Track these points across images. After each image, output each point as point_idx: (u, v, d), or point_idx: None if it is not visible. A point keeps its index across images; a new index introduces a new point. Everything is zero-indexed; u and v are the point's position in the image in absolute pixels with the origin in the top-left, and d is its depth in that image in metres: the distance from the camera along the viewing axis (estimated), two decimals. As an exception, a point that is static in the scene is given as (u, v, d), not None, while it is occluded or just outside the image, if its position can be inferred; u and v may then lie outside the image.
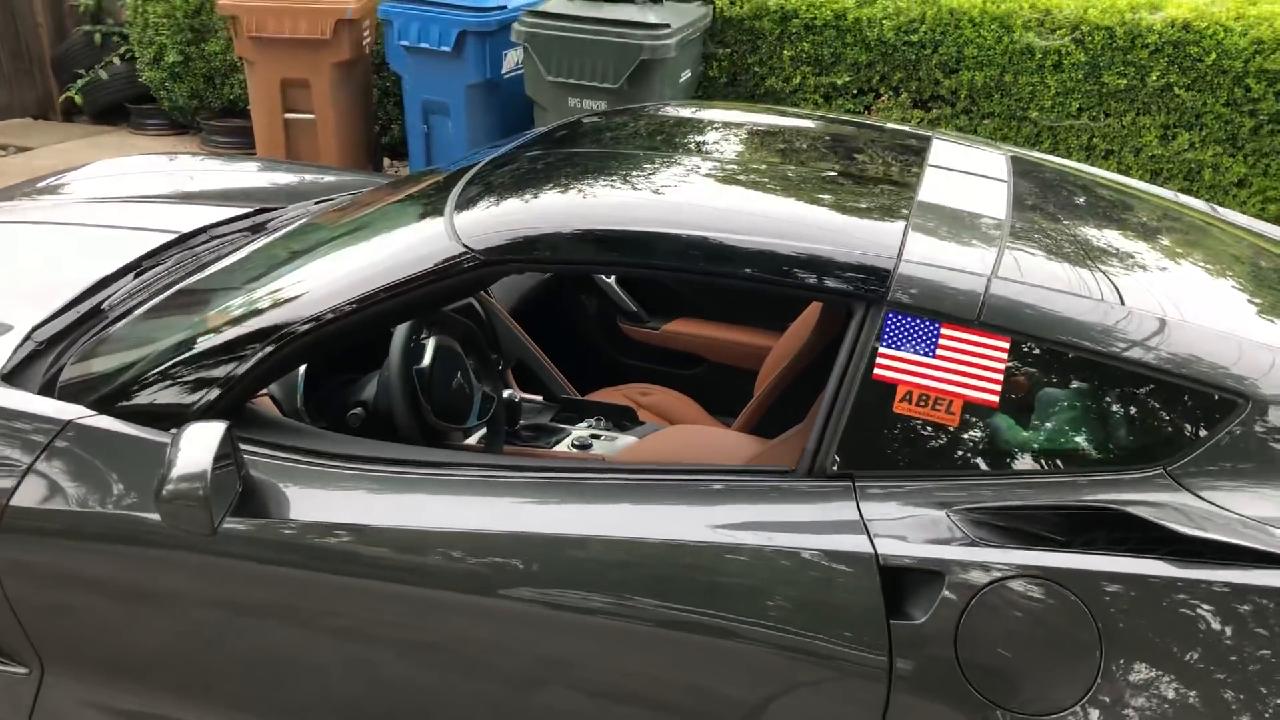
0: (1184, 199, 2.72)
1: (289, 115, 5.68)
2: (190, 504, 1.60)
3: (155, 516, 1.79)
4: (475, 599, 1.69)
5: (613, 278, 3.18)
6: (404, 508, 1.73)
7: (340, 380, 2.24)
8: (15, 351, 2.11)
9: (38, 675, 1.97)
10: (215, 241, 2.66)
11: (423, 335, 2.18)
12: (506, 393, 2.46)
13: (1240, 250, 2.22)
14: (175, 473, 1.60)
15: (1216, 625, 1.43)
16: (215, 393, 1.83)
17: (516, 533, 1.67)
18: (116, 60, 7.08)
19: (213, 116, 6.69)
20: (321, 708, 1.87)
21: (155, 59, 6.60)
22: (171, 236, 2.67)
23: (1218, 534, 1.46)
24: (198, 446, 1.63)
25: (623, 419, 2.65)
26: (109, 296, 2.36)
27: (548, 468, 1.75)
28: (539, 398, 2.75)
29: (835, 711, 1.59)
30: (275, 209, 2.92)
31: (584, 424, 2.61)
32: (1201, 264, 2.07)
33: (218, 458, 1.62)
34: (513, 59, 5.32)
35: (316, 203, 2.87)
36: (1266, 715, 1.39)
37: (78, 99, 7.13)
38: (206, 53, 6.51)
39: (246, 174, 3.39)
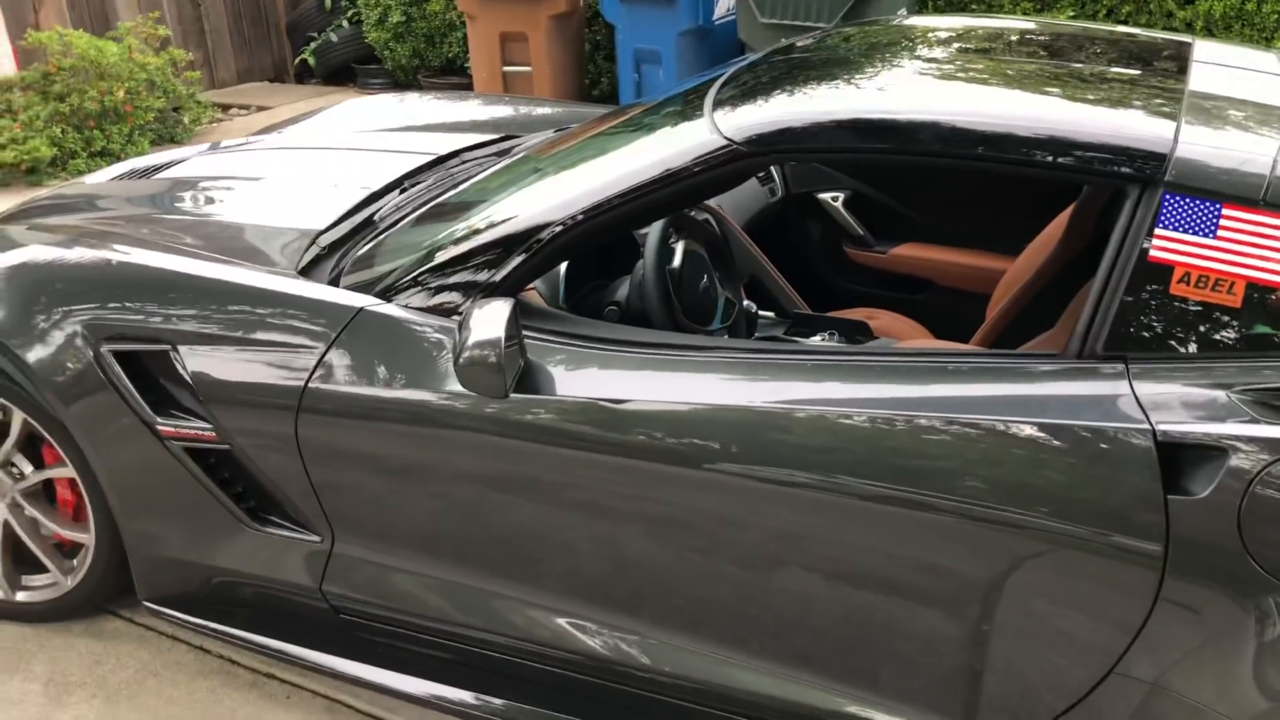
0: None
1: (506, 69, 5.90)
2: (486, 368, 1.74)
3: (433, 397, 1.94)
4: (726, 475, 1.76)
5: (840, 200, 3.19)
6: (665, 385, 1.82)
7: (596, 284, 2.35)
8: (305, 253, 2.31)
9: (329, 543, 2.17)
10: (469, 163, 2.82)
11: (672, 239, 2.27)
12: (745, 303, 2.53)
13: None
14: (472, 339, 1.74)
15: None
16: (494, 281, 1.96)
17: (781, 409, 1.73)
18: (345, 23, 7.50)
19: (432, 74, 7.00)
20: (570, 582, 2.00)
21: (380, 20, 6.96)
22: (429, 158, 2.85)
23: None
24: (490, 318, 1.76)
25: (856, 334, 2.67)
26: (378, 209, 2.55)
27: (810, 350, 1.80)
28: (772, 314, 2.81)
29: (1104, 597, 1.58)
30: (520, 136, 3.07)
31: (817, 338, 2.65)
32: None
33: (507, 331, 1.75)
34: (725, 4, 5.36)
35: (559, 130, 2.99)
36: None
37: (311, 61, 7.60)
38: (427, 12, 6.82)
39: (475, 108, 3.59)
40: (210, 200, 2.78)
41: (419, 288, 2.05)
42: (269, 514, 2.22)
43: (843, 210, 3.20)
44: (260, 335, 2.10)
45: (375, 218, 2.50)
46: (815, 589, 1.80)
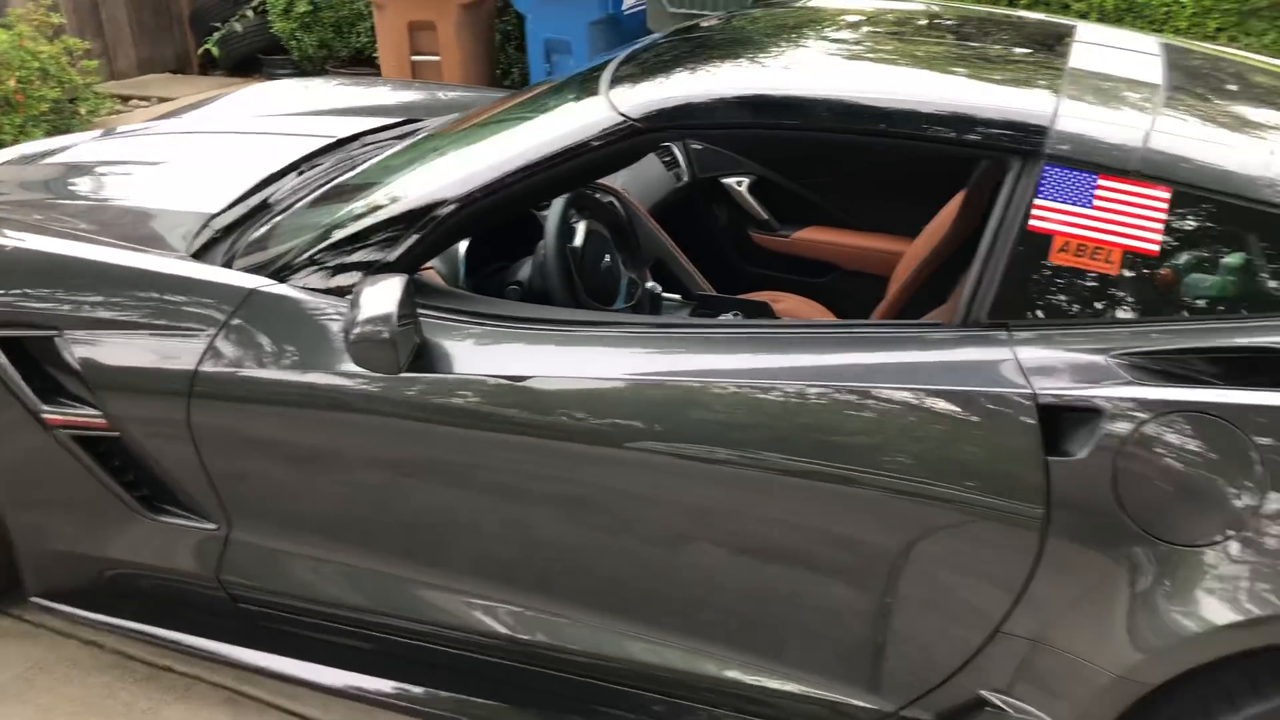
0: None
1: (415, 58, 5.83)
2: (378, 345, 1.72)
3: (329, 379, 1.92)
4: (628, 451, 1.76)
5: (744, 185, 3.22)
6: (568, 360, 1.82)
7: (497, 265, 2.34)
8: (197, 237, 2.26)
9: (225, 531, 2.12)
10: (370, 146, 2.78)
11: (573, 218, 2.27)
12: (649, 284, 2.54)
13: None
14: (362, 315, 1.73)
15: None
16: (389, 260, 1.94)
17: (675, 383, 1.74)
18: (250, 13, 7.35)
19: (340, 65, 6.90)
20: (477, 564, 1.99)
21: (285, 10, 6.83)
22: (328, 141, 2.81)
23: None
24: (381, 294, 1.75)
25: (759, 316, 2.70)
26: (274, 193, 2.50)
27: (707, 325, 1.82)
28: (677, 296, 2.82)
29: (987, 558, 1.62)
30: (422, 121, 3.04)
31: (722, 319, 2.67)
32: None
33: (400, 307, 1.73)
34: (634, -6, 5.38)
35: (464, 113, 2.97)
36: None
37: (215, 51, 7.43)
38: (334, 2, 6.71)
39: (382, 93, 3.54)
40: (102, 185, 2.71)
41: (314, 268, 2.02)
42: (162, 502, 2.17)
43: (747, 195, 3.23)
44: (149, 319, 2.05)
45: (271, 201, 2.45)
46: (719, 563, 1.81)
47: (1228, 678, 1.53)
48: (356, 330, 1.74)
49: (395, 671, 2.12)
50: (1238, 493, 1.47)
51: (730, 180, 3.24)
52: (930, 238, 2.71)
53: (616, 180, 2.80)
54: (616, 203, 2.61)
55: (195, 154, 2.84)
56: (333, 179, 2.45)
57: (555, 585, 1.96)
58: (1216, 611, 1.46)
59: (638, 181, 2.97)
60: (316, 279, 2.01)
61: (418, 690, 2.10)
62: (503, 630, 2.01)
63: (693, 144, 3.28)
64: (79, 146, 3.02)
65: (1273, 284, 1.58)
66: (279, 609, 2.17)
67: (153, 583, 2.25)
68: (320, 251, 2.03)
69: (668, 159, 3.20)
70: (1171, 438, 1.50)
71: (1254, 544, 1.46)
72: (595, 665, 1.99)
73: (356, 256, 2.00)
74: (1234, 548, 1.47)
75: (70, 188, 2.68)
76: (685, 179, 3.22)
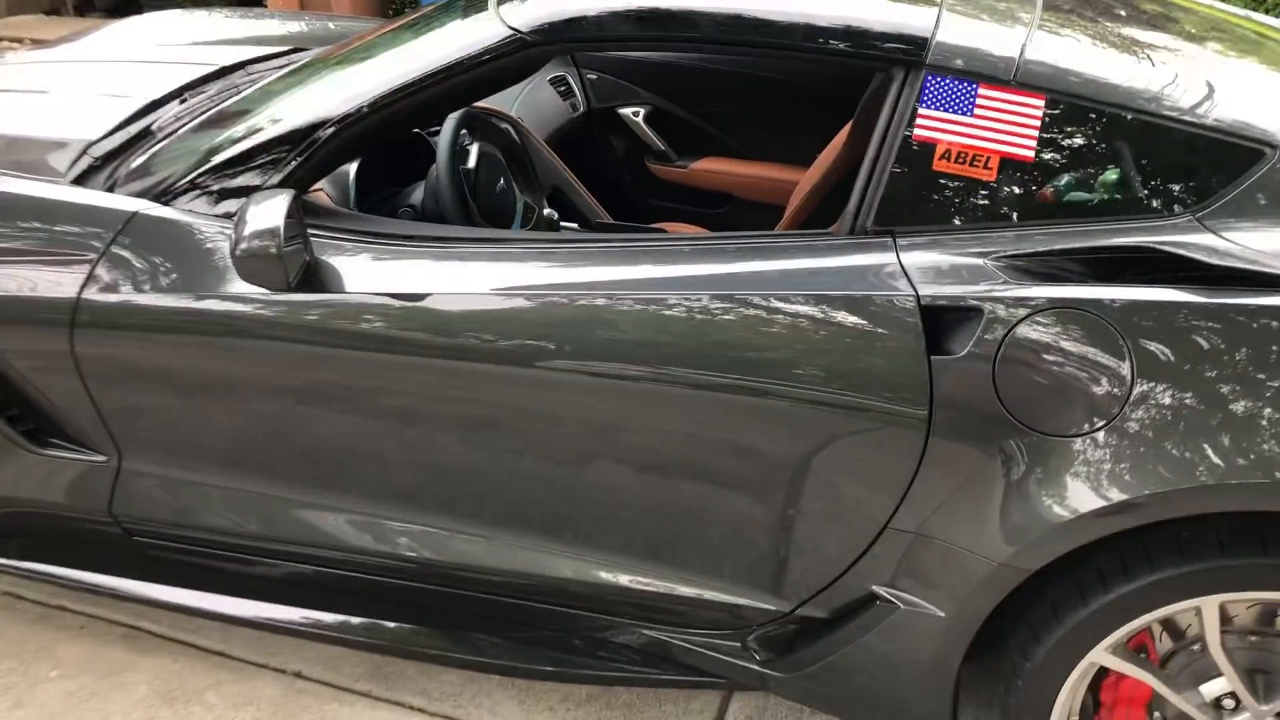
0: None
1: (304, -5, 5.67)
2: (265, 260, 1.69)
3: (219, 303, 1.88)
4: (527, 369, 1.77)
5: (640, 116, 3.23)
6: (466, 277, 1.81)
7: (388, 190, 2.31)
8: (74, 164, 2.18)
9: (116, 462, 2.08)
10: (254, 74, 2.71)
11: (466, 140, 2.25)
12: (546, 211, 2.53)
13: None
14: (248, 230, 1.70)
15: (1238, 345, 1.50)
16: (277, 178, 1.90)
17: (577, 298, 1.75)
18: (127, -50, 7.05)
19: (228, 3, 6.67)
20: (377, 487, 1.98)
21: (166, -54, 6.57)
22: (212, 69, 2.72)
23: (1242, 265, 1.53)
24: (267, 210, 1.72)
25: (657, 242, 2.72)
26: (156, 120, 2.42)
27: (609, 239, 1.83)
28: (575, 225, 2.82)
29: (875, 459, 1.67)
30: (309, 50, 2.97)
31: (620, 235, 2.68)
32: (1237, 56, 2.10)
33: (287, 223, 1.70)
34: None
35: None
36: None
37: (90, -10, 7.12)
38: (217, -62, 6.48)
39: (270, 24, 3.44)
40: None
41: (198, 190, 1.97)
42: (49, 435, 2.11)
43: (644, 125, 3.23)
44: (25, 246, 1.98)
45: (153, 128, 2.38)
46: (624, 478, 1.83)
47: (1100, 561, 1.61)
48: (242, 246, 1.70)
49: (299, 598, 2.11)
50: (1107, 384, 1.54)
51: (626, 111, 3.24)
52: (822, 164, 2.75)
53: (511, 109, 2.78)
54: (512, 130, 2.59)
55: (72, 82, 2.73)
56: (217, 105, 2.39)
57: (461, 506, 1.96)
58: (1086, 498, 1.54)
59: (533, 111, 2.95)
60: (201, 202, 1.96)
61: (324, 616, 2.09)
62: (409, 552, 2.02)
63: (588, 74, 3.27)
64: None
65: (1140, 188, 1.64)
66: (176, 540, 2.14)
67: (42, 519, 2.19)
68: (204, 174, 1.98)
69: (563, 89, 3.18)
70: (1047, 333, 1.56)
71: (1121, 432, 1.53)
72: (504, 583, 2.00)
73: (241, 179, 1.95)
74: (1102, 437, 1.54)
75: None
76: (581, 109, 3.21)
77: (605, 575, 1.94)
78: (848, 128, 2.69)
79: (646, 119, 3.23)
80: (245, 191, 1.92)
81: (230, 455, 2.02)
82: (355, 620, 2.09)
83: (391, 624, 2.08)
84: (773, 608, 1.86)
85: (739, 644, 1.93)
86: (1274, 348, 1.50)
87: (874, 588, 1.76)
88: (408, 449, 1.93)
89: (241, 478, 2.04)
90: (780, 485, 1.75)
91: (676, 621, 1.96)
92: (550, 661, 2.02)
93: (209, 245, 1.92)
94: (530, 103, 2.98)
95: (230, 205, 1.93)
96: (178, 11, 3.61)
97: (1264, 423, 1.48)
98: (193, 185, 1.97)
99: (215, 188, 1.97)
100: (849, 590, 1.79)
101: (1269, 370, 1.49)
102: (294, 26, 3.41)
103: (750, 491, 1.78)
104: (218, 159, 1.98)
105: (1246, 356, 1.50)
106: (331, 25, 3.37)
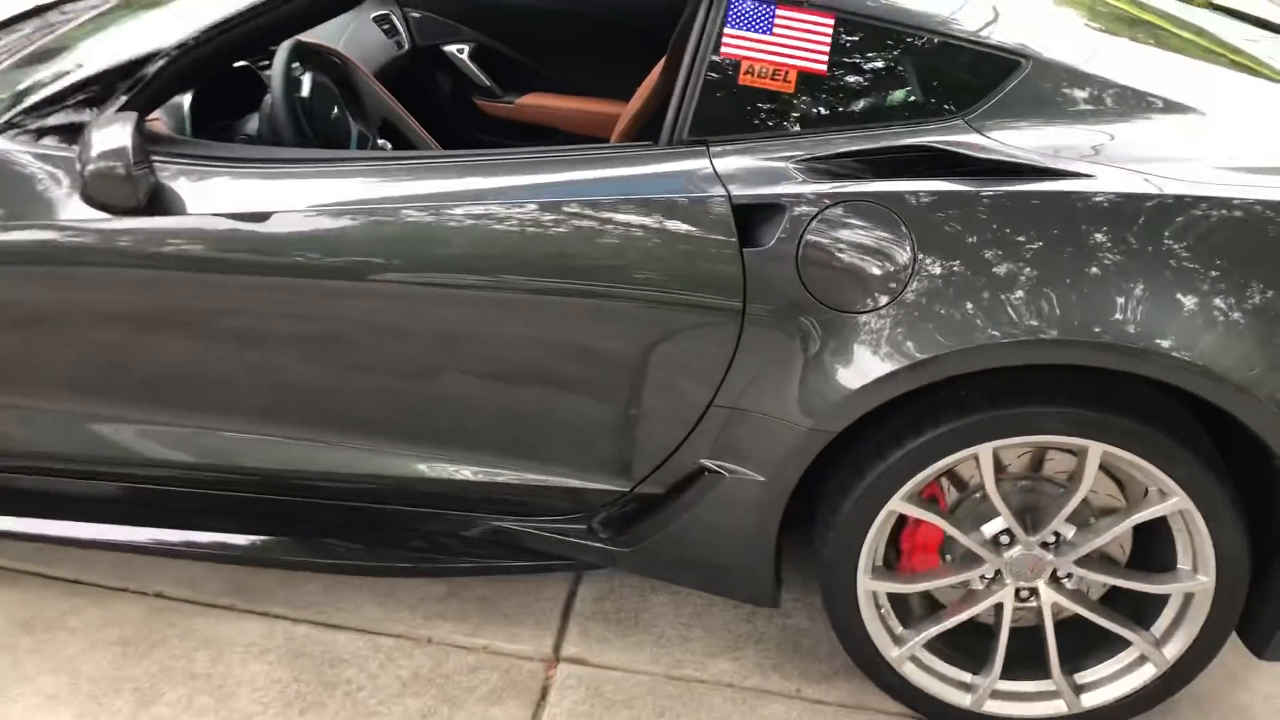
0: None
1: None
2: (114, 180, 1.75)
3: (56, 232, 1.92)
4: (360, 283, 1.89)
5: (465, 53, 3.32)
6: (305, 195, 1.91)
7: (222, 124, 2.36)
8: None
9: (-40, 395, 2.08)
10: (69, 14, 2.68)
11: (297, 69, 2.31)
12: (380, 142, 2.62)
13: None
14: (95, 151, 1.75)
15: (1000, 226, 1.75)
16: (115, 104, 1.94)
17: (400, 209, 1.87)
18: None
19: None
20: (230, 406, 2.06)
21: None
22: (26, 9, 2.69)
23: (1002, 158, 1.78)
24: (113, 131, 1.77)
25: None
26: (-29, 57, 2.39)
27: (442, 154, 1.95)
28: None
29: (698, 345, 1.86)
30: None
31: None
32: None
33: (134, 143, 1.76)
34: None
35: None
36: (1040, 296, 1.73)
37: None
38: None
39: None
40: None
41: (25, 124, 1.98)
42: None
43: (469, 62, 3.33)
44: None
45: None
46: (467, 381, 1.97)
47: (894, 422, 1.84)
48: (91, 167, 1.75)
49: (153, 519, 2.17)
50: (892, 264, 1.77)
51: (451, 48, 3.33)
52: (641, 94, 2.92)
53: (338, 46, 2.84)
54: (340, 63, 2.66)
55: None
56: (35, 43, 2.37)
57: (308, 417, 2.06)
58: (877, 365, 1.77)
59: (358, 49, 3.00)
60: (28, 136, 1.98)
61: (178, 535, 2.16)
62: (260, 465, 2.10)
63: (412, 13, 3.34)
64: None
65: (917, 95, 1.87)
66: (23, 471, 2.16)
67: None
68: (31, 108, 1.99)
69: (387, 27, 3.25)
70: (841, 223, 1.78)
71: (905, 305, 1.76)
72: (356, 488, 2.12)
73: (73, 112, 1.98)
74: (890, 310, 1.77)
75: None
76: (406, 47, 3.28)
77: (454, 472, 2.07)
78: (664, 60, 2.86)
79: (471, 56, 3.33)
80: (77, 125, 1.95)
81: (78, 381, 2.06)
82: (210, 537, 2.17)
83: (248, 537, 2.17)
84: (614, 489, 2.05)
85: (585, 527, 2.11)
86: (1028, 227, 1.75)
87: (702, 461, 1.96)
88: (254, 366, 2.01)
89: (89, 402, 2.08)
90: (614, 378, 1.93)
91: (525, 511, 2.12)
92: (406, 559, 2.15)
93: (41, 175, 1.95)
94: (355, 40, 3.04)
95: (59, 136, 1.96)
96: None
97: (1020, 291, 1.73)
98: (20, 118, 1.98)
99: (44, 121, 1.98)
100: (681, 466, 1.99)
101: (1024, 246, 1.74)
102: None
103: (586, 385, 1.95)
104: (45, 92, 2.00)
105: (1007, 235, 1.75)
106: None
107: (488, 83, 3.35)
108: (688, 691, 2.11)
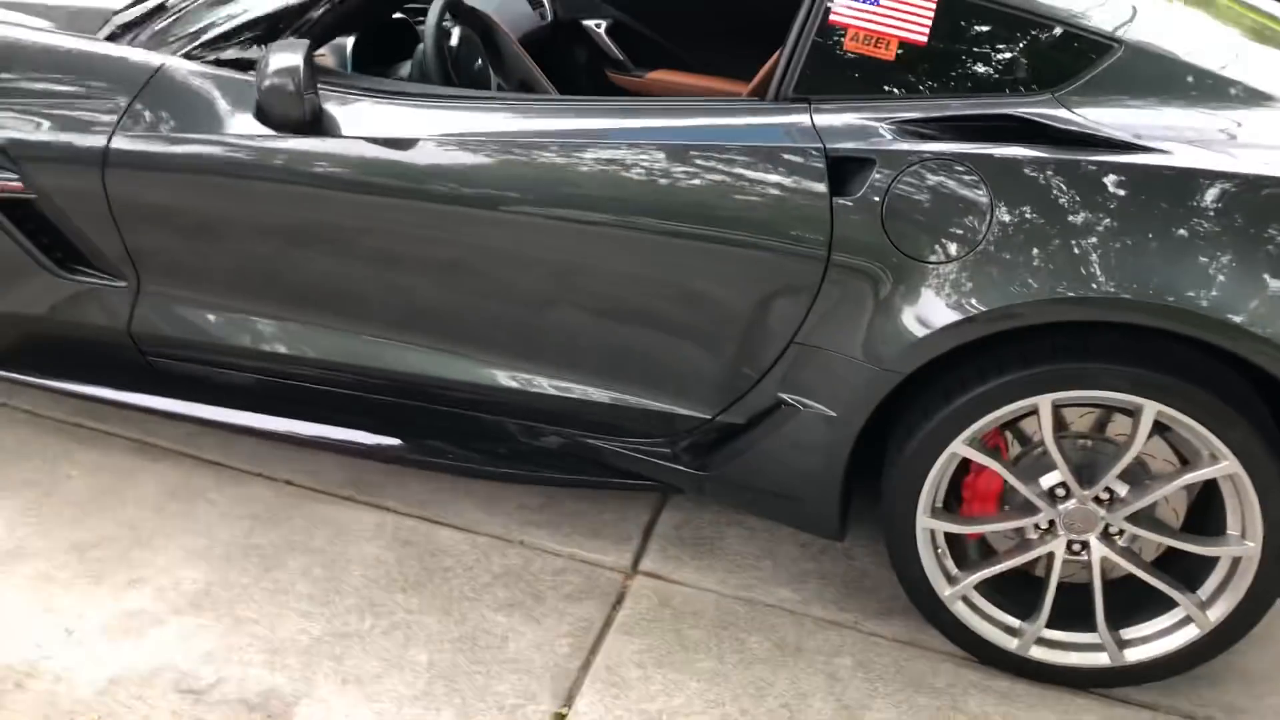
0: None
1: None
2: (285, 95, 2.02)
3: (232, 147, 2.20)
4: (496, 212, 2.11)
5: (602, 28, 3.56)
6: (441, 123, 2.14)
7: (378, 69, 2.63)
8: (101, 30, 2.47)
9: (135, 286, 2.39)
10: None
11: (449, 22, 2.57)
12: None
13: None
14: (271, 68, 2.02)
15: (1074, 191, 1.88)
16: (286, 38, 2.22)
17: (533, 146, 2.09)
18: None
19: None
20: (370, 321, 2.31)
21: None
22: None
23: (1083, 131, 1.91)
24: (287, 52, 2.04)
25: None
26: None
27: (577, 100, 2.17)
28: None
29: (785, 286, 2.03)
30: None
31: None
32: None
33: (304, 65, 2.03)
34: None
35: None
36: (1111, 258, 1.85)
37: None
38: None
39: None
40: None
41: (218, 45, 2.27)
42: (76, 263, 2.41)
43: (605, 37, 3.57)
44: (65, 92, 2.28)
45: (166, 5, 2.67)
46: (577, 308, 2.19)
47: (963, 368, 1.98)
48: (267, 82, 2.03)
49: (287, 411, 2.44)
50: (971, 220, 1.91)
51: (590, 23, 3.58)
52: (762, 73, 3.10)
53: (488, 10, 3.10)
54: (486, 22, 2.91)
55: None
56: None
57: (433, 327, 2.30)
58: (947, 313, 1.91)
59: (505, 17, 3.26)
60: (214, 61, 2.27)
61: (307, 427, 2.42)
62: (386, 367, 2.35)
63: (557, -13, 3.59)
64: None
65: (1012, 70, 2.01)
66: (184, 359, 2.46)
67: (66, 340, 2.50)
68: (223, 33, 2.29)
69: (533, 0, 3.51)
70: (926, 179, 1.93)
71: (980, 258, 1.90)
72: (467, 398, 2.35)
73: (243, 47, 2.27)
74: (966, 262, 1.91)
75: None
76: (549, 19, 3.53)
77: (557, 390, 2.29)
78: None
79: (608, 31, 3.57)
80: (246, 61, 2.24)
81: (236, 281, 2.35)
82: (337, 432, 2.42)
83: (370, 435, 2.42)
84: (699, 415, 2.23)
85: (669, 450, 2.30)
86: (1104, 194, 1.88)
87: (780, 395, 2.13)
88: (390, 280, 2.26)
89: (245, 301, 2.37)
90: (707, 311, 2.11)
91: (616, 432, 2.32)
92: (507, 465, 2.37)
93: (226, 94, 2.23)
94: (503, 8, 3.30)
95: (245, 54, 2.25)
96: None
97: (1091, 252, 1.86)
98: (215, 41, 2.28)
99: (220, 53, 2.28)
100: (760, 398, 2.16)
101: (1093, 210, 1.86)
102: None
103: (682, 317, 2.14)
104: (236, 23, 2.29)
105: (1082, 200, 1.88)
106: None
107: (620, 57, 3.58)
108: (751, 610, 2.28)
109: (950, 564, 2.14)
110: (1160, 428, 1.95)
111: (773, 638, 2.21)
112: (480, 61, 2.63)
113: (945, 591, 2.13)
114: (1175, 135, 1.92)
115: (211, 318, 2.40)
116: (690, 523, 2.52)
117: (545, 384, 2.30)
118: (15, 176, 2.31)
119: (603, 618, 2.21)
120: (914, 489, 2.06)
